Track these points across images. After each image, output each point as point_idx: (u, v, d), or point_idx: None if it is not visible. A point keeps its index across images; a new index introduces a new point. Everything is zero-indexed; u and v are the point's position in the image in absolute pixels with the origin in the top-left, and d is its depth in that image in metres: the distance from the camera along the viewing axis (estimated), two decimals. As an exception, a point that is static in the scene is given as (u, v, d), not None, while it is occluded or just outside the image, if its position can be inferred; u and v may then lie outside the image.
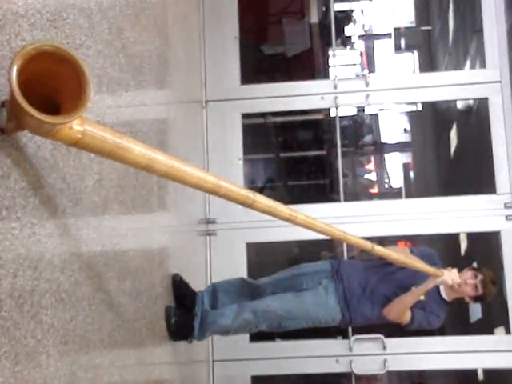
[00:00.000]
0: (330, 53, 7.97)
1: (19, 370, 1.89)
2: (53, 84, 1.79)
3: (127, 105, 3.22)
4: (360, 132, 9.38)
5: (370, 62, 10.66)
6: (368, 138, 9.75)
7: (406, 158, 10.78)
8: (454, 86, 5.95)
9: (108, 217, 2.81)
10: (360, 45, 10.33)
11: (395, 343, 5.49)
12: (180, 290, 4.17)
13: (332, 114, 6.72)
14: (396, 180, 10.53)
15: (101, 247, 2.71)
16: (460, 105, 7.70)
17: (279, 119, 7.99)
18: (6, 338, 1.82)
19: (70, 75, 1.76)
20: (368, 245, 3.44)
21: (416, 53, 10.41)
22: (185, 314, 4.12)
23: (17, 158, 1.92)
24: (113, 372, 2.80)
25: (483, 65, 5.95)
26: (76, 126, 1.80)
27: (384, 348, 5.45)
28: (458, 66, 8.28)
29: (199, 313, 4.18)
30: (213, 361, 5.56)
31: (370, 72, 10.10)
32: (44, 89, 1.78)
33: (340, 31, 8.39)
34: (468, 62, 7.38)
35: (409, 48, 9.98)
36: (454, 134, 7.72)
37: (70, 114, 1.74)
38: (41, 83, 1.76)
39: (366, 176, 10.73)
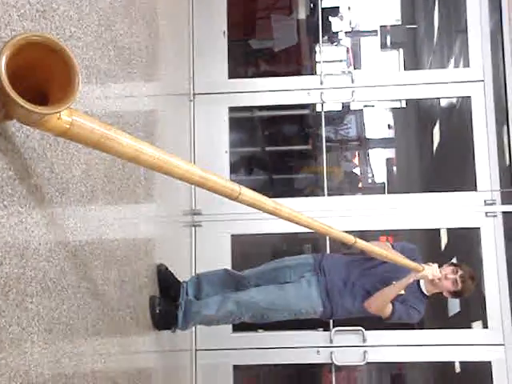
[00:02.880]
0: (317, 49, 7.99)
1: (3, 356, 1.89)
2: (42, 74, 1.79)
3: (115, 96, 3.24)
4: (344, 127, 9.41)
5: (355, 58, 10.70)
6: (352, 134, 9.78)
7: (389, 153, 10.83)
8: (438, 84, 5.99)
9: (94, 207, 2.82)
10: (346, 41, 10.36)
11: (375, 336, 5.54)
12: (165, 280, 4.20)
13: (318, 109, 6.76)
14: (379, 175, 10.59)
15: (87, 236, 2.72)
16: (443, 103, 7.75)
17: (265, 113, 8.01)
18: (-9, 325, 1.82)
19: (60, 66, 1.77)
20: (351, 239, 3.48)
21: (401, 51, 10.44)
22: (169, 303, 4.15)
23: (5, 147, 1.93)
24: (97, 360, 2.81)
25: (467, 64, 6.00)
26: (64, 116, 1.81)
27: (364, 340, 5.49)
28: (442, 64, 8.34)
29: (183, 303, 4.20)
30: (196, 350, 5.58)
31: (355, 68, 10.14)
32: (33, 79, 1.78)
33: (327, 28, 8.40)
34: (452, 61, 7.44)
35: (394, 46, 10.01)
36: (436, 131, 7.77)
37: (59, 105, 1.74)
38: (30, 74, 1.76)
39: (350, 171, 10.76)
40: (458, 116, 7.13)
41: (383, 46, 9.58)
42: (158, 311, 3.98)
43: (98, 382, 2.82)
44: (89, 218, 2.76)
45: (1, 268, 1.89)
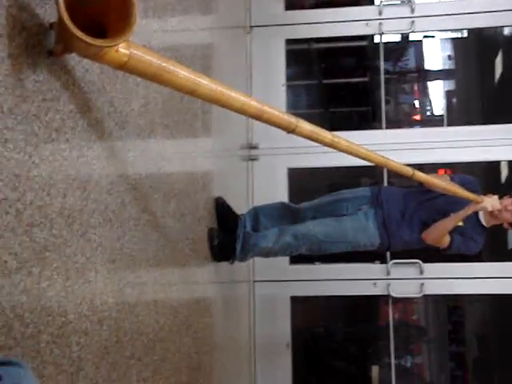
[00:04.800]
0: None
1: (70, 284, 1.95)
2: (100, 7, 1.79)
3: (172, 30, 3.23)
4: (403, 59, 9.22)
5: (415, -14, 10.38)
6: (411, 65, 9.58)
7: (449, 85, 10.57)
8: (502, 11, 5.80)
9: (153, 140, 2.85)
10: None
11: (433, 268, 5.53)
12: (223, 212, 4.23)
13: (376, 40, 6.63)
14: (438, 107, 10.37)
15: (146, 170, 2.75)
16: (507, 31, 7.50)
17: (323, 45, 7.89)
18: (57, 254, 1.87)
19: (117, -1, 1.78)
20: (409, 171, 3.46)
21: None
22: (227, 235, 4.18)
23: (65, 81, 1.95)
24: (158, 289, 2.87)
25: (534, -12, 5.79)
26: (122, 49, 1.82)
27: (421, 272, 5.50)
28: (507, -11, 8.03)
29: (241, 235, 4.23)
30: (254, 281, 5.67)
31: (415, -3, 9.85)
32: (91, 11, 1.78)
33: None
34: (518, -14, 7.16)
35: (455, -29, 9.67)
36: (498, 62, 7.53)
37: (117, 38, 1.75)
38: (88, 6, 1.76)
39: (409, 103, 10.56)
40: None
41: (444, -28, 9.27)
42: (216, 243, 4.01)
43: (160, 311, 2.89)
44: (148, 151, 2.79)
45: (65, 200, 1.93)
